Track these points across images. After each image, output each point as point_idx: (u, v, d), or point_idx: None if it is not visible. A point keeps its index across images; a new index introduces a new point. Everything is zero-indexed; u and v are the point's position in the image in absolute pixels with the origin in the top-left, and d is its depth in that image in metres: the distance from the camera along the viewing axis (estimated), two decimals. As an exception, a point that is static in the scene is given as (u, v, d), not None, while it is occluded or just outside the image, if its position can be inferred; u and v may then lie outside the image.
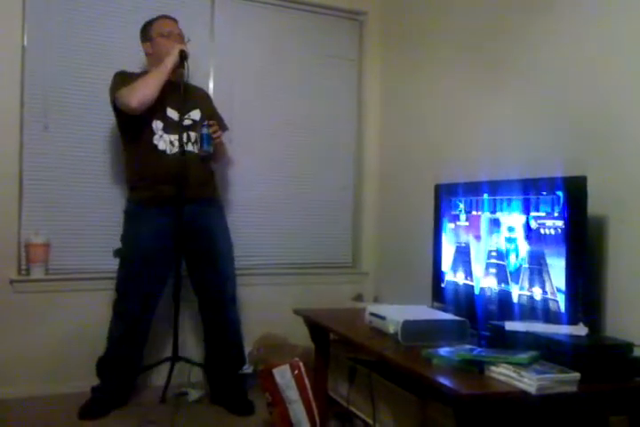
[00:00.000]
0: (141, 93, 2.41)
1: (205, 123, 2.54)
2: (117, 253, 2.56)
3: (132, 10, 2.84)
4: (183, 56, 2.49)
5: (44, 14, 2.69)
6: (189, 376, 2.59)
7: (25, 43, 2.66)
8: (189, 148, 2.54)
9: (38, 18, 2.68)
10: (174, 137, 2.51)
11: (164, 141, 2.52)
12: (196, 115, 2.62)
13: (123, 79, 2.49)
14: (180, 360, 2.55)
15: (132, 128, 2.55)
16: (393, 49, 3.22)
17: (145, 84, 2.43)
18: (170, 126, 2.52)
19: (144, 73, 2.56)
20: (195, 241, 2.56)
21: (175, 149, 2.50)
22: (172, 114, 2.54)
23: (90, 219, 2.77)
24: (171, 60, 2.47)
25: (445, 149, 2.66)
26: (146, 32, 2.61)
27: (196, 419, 2.46)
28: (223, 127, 2.75)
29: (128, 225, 2.56)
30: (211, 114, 2.69)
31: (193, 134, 2.57)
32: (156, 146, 2.51)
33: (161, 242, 2.49)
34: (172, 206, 2.46)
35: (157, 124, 2.52)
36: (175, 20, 2.64)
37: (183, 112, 2.53)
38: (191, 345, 2.81)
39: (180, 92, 2.48)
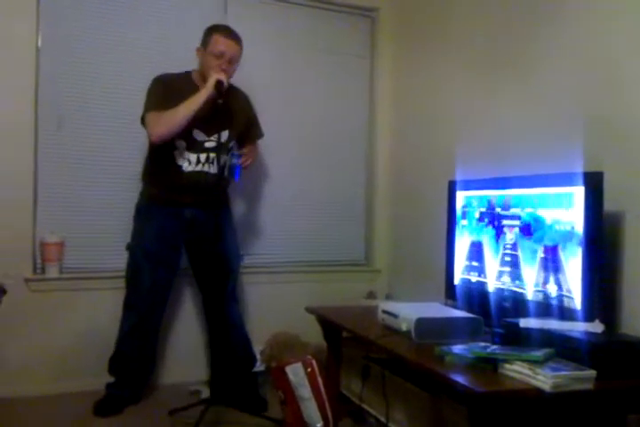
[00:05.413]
0: (165, 129, 2.39)
1: (237, 152, 2.52)
2: (128, 246, 2.59)
3: (147, 9, 2.85)
4: (219, 88, 2.38)
5: (58, 15, 2.71)
6: (204, 413, 2.26)
7: (39, 44, 2.68)
8: (206, 168, 2.51)
9: (52, 19, 2.70)
10: (194, 156, 2.50)
11: (184, 159, 2.50)
12: (224, 136, 2.54)
13: (156, 96, 2.44)
14: (216, 404, 2.37)
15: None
16: (404, 46, 3.20)
17: (173, 118, 2.37)
18: (193, 146, 2.50)
19: (184, 78, 2.52)
20: (200, 240, 2.58)
21: (191, 168, 2.50)
22: (198, 135, 2.50)
23: (104, 218, 2.78)
24: (205, 92, 2.38)
25: (458, 145, 2.64)
26: (204, 38, 2.49)
27: (208, 417, 2.46)
28: (258, 136, 2.75)
29: (136, 221, 2.60)
30: (243, 129, 2.63)
31: (212, 156, 2.52)
32: (175, 162, 2.51)
33: (165, 240, 2.53)
34: (179, 207, 2.51)
35: (181, 143, 2.50)
36: (236, 41, 2.47)
37: (212, 134, 2.50)
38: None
39: (212, 112, 2.40)
